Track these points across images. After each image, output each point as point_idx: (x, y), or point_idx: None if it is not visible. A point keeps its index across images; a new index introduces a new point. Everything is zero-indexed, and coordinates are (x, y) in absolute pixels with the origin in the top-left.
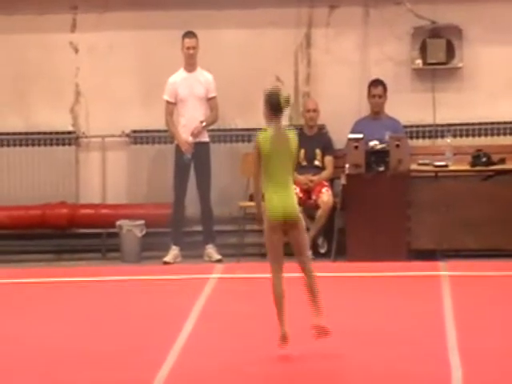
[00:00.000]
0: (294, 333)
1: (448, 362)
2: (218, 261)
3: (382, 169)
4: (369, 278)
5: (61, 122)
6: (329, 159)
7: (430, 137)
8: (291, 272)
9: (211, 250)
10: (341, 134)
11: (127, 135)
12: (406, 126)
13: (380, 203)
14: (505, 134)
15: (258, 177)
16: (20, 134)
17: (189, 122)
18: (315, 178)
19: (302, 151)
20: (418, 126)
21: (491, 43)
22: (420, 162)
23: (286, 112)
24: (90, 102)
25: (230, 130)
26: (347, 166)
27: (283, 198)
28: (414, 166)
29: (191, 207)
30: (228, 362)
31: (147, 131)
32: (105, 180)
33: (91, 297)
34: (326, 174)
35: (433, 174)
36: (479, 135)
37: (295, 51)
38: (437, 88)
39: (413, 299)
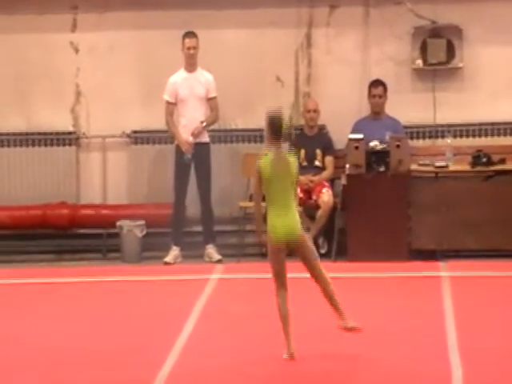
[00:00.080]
0: (294, 333)
1: (448, 362)
2: (219, 261)
3: (382, 169)
4: (369, 279)
5: (61, 122)
6: (329, 159)
7: (430, 137)
8: (295, 272)
9: (211, 251)
10: (341, 134)
11: (128, 135)
12: (406, 127)
13: (380, 203)
14: (505, 135)
15: (259, 199)
16: (21, 134)
17: (189, 122)
18: (316, 178)
19: (303, 151)
20: (418, 127)
21: (491, 43)
22: (420, 162)
23: (287, 136)
24: (90, 103)
25: (231, 130)
26: (347, 166)
27: (285, 220)
28: (414, 167)
29: (191, 207)
30: (228, 362)
31: (148, 131)
32: (105, 180)
33: (92, 297)
34: (326, 174)
35: (433, 175)
36: (479, 135)
37: (295, 51)
38: (437, 88)
39: (413, 299)
